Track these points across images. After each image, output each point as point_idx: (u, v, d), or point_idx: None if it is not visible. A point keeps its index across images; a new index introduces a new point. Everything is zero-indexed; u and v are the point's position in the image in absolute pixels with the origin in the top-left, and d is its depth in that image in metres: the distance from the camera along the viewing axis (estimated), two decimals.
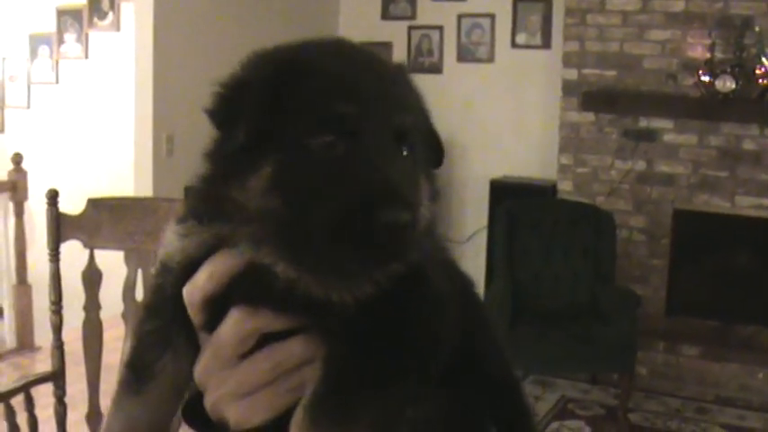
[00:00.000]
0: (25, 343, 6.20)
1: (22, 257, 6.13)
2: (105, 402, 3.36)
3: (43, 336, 6.22)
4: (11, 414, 3.13)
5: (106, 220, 3.33)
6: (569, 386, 5.63)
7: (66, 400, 3.38)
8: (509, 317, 5.11)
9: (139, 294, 3.33)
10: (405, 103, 0.91)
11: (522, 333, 5.14)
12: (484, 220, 6.32)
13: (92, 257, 3.33)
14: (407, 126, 0.89)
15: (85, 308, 3.38)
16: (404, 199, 0.82)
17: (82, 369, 3.43)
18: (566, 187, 6.17)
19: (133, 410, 1.04)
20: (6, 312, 6.17)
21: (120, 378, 1.06)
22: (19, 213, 6.03)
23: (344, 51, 0.93)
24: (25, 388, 3.21)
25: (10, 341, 6.18)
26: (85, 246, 3.33)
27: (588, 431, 5.07)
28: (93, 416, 3.39)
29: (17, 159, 6.00)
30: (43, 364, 5.63)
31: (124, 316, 3.37)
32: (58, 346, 3.36)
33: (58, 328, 3.33)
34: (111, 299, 3.40)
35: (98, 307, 3.38)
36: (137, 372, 1.03)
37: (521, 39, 6.64)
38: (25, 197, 6.04)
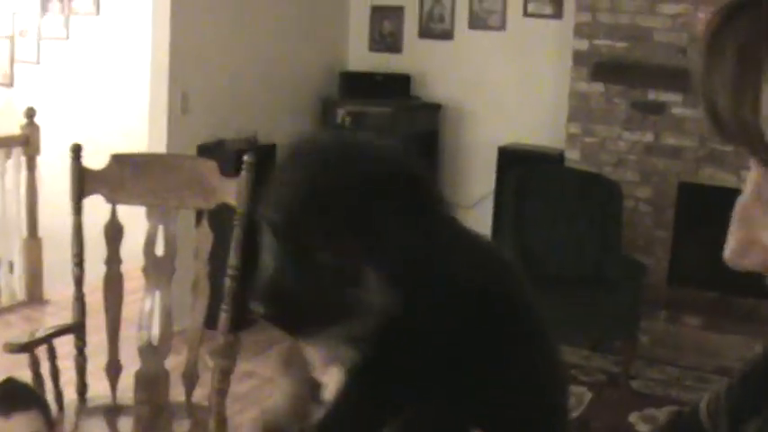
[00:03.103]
0: (35, 296, 6.26)
1: (33, 212, 6.19)
2: (124, 354, 3.45)
3: (53, 289, 6.29)
4: (35, 364, 3.20)
5: (129, 175, 3.40)
6: (571, 353, 5.71)
7: (86, 351, 3.46)
8: None
9: (160, 249, 3.40)
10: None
11: None
12: (491, 186, 6.37)
13: (114, 212, 3.40)
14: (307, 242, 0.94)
15: (107, 261, 3.44)
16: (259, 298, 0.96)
17: (97, 321, 3.50)
18: (573, 156, 6.22)
19: None
20: (17, 266, 6.23)
21: None
22: (31, 168, 6.07)
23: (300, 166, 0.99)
24: (48, 339, 3.27)
25: (20, 294, 6.24)
26: (108, 200, 3.39)
27: (590, 397, 5.15)
28: (113, 366, 3.46)
29: (30, 113, 6.02)
30: (53, 317, 5.70)
31: (145, 270, 3.44)
32: (79, 297, 3.42)
33: (79, 281, 3.40)
34: (127, 254, 3.46)
35: (119, 261, 3.44)
36: None
37: (533, 7, 6.66)
38: (38, 152, 6.09)
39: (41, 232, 6.32)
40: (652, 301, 5.83)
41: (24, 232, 6.21)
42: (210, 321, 3.39)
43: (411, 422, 0.98)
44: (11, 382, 2.60)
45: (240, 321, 3.38)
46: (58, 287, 6.23)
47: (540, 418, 1.06)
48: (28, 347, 3.20)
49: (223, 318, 3.28)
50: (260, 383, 4.88)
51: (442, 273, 0.95)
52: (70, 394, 3.41)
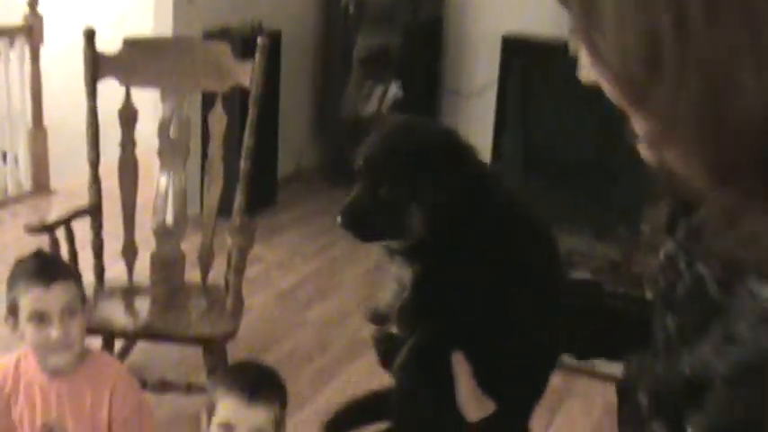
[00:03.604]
0: (42, 186, 6.30)
1: (37, 102, 6.18)
2: (139, 238, 3.51)
3: (59, 179, 6.33)
4: (55, 245, 3.24)
5: (142, 59, 3.40)
6: (574, 240, 5.78)
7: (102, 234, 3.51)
8: (520, 171, 5.23)
9: (173, 132, 3.42)
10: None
11: (532, 187, 5.27)
12: (495, 74, 6.36)
13: (128, 95, 3.41)
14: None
15: (121, 144, 3.47)
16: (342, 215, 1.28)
17: (111, 207, 3.54)
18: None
19: None
20: (22, 156, 6.25)
21: None
22: (35, 58, 6.04)
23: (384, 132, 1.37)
24: (67, 221, 3.32)
25: (27, 185, 6.28)
26: (122, 84, 3.40)
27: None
28: (129, 249, 3.52)
29: (32, 3, 5.97)
30: (60, 206, 5.74)
31: (159, 153, 3.47)
32: (95, 181, 3.45)
33: (95, 165, 3.43)
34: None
35: (133, 144, 3.47)
36: None
37: None
38: (41, 41, 6.05)
39: (46, 122, 6.31)
40: (656, 190, 5.86)
41: (30, 123, 6.21)
42: (223, 207, 3.44)
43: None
44: (44, 254, 2.66)
45: (253, 205, 3.43)
46: (64, 177, 6.28)
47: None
48: (48, 228, 3.25)
49: (238, 199, 3.33)
50: (268, 267, 4.94)
51: (467, 215, 1.26)
52: (88, 277, 3.46)
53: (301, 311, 4.56)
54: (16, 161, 6.25)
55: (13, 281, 2.34)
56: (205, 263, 3.46)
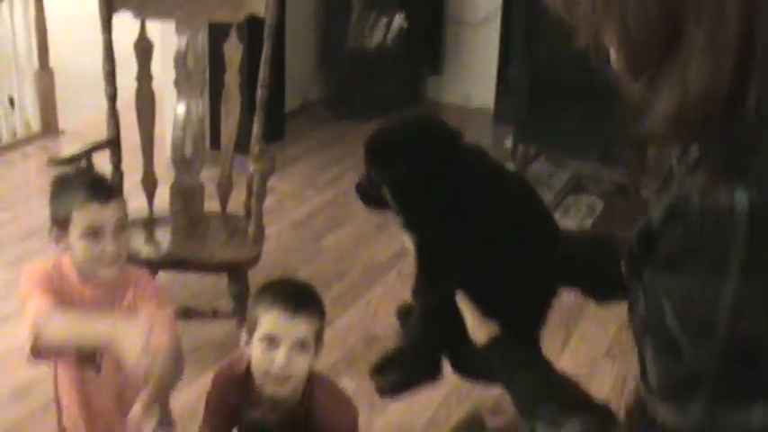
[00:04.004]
0: (50, 127, 6.32)
1: (43, 43, 6.18)
2: (157, 170, 3.56)
3: (67, 120, 6.36)
4: None
5: None
6: (580, 165, 5.83)
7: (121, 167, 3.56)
8: (527, 99, 5.26)
9: (190, 61, 3.45)
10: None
11: (538, 113, 5.31)
12: (498, 1, 6.37)
13: (143, 28, 3.44)
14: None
15: (138, 78, 3.51)
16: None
17: (127, 141, 3.58)
18: None
19: None
20: (30, 98, 6.27)
21: None
22: None
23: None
24: (87, 154, 3.37)
25: (35, 126, 6.31)
26: (136, 16, 3.43)
27: (601, 205, 5.30)
28: (148, 180, 3.57)
29: None
30: (69, 146, 5.78)
31: (176, 83, 3.51)
32: (113, 114, 3.50)
33: (112, 98, 3.47)
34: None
35: (150, 77, 3.51)
36: None
37: None
38: None
39: (52, 63, 6.33)
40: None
41: (36, 64, 6.22)
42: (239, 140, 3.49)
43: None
44: (95, 172, 2.72)
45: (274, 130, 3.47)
46: (72, 118, 6.31)
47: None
48: (70, 161, 3.30)
49: (256, 127, 3.37)
50: (281, 199, 5.00)
51: (426, 189, 1.43)
52: None
53: (316, 240, 4.63)
54: (23, 104, 6.27)
55: (63, 197, 2.37)
56: (224, 191, 3.52)
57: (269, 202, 4.69)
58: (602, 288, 1.50)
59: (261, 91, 3.36)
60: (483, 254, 1.40)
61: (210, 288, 3.84)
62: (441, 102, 6.74)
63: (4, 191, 5.36)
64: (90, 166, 3.34)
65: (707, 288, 0.91)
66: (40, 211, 4.99)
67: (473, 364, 1.44)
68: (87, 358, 2.43)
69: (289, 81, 6.01)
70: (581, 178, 5.69)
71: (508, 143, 5.60)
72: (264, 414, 2.36)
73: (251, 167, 3.32)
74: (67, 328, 2.23)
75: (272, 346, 2.24)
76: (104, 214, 2.32)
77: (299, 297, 2.28)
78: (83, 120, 5.98)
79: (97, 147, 3.45)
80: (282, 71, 5.79)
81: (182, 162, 3.49)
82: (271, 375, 2.25)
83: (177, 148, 3.49)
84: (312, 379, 2.38)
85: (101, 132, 3.57)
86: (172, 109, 3.59)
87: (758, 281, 0.90)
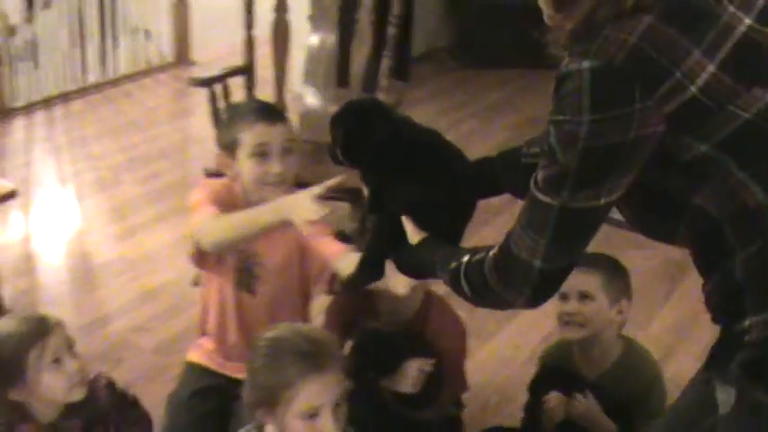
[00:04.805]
0: (183, 57, 6.58)
1: None
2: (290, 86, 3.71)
3: (199, 52, 6.60)
4: (213, 99, 3.47)
5: None
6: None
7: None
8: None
9: None
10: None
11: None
12: None
13: None
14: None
15: (276, 8, 3.65)
16: None
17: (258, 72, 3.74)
18: None
19: None
20: (165, 30, 6.51)
21: None
22: None
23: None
24: (224, 77, 3.54)
25: (169, 56, 6.56)
26: None
27: None
28: (280, 105, 3.72)
29: None
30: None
31: (311, 17, 3.65)
32: (249, 41, 3.65)
33: (249, 26, 3.61)
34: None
35: (285, 8, 3.65)
36: None
37: None
38: None
39: None
40: None
41: None
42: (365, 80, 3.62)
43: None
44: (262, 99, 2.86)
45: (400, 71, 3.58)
46: (205, 50, 6.54)
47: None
48: (208, 82, 3.48)
49: (385, 62, 3.49)
50: None
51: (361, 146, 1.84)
52: None
53: None
54: (159, 35, 6.52)
55: (232, 121, 2.52)
56: None
57: None
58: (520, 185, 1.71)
59: (391, 29, 3.47)
60: (411, 188, 1.83)
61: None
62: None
63: (138, 113, 5.63)
64: (226, 88, 3.52)
65: (572, 118, 1.40)
66: (170, 133, 5.29)
67: (410, 261, 1.84)
68: (243, 280, 2.61)
69: (416, 28, 6.12)
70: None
71: None
72: (381, 326, 2.50)
73: (379, 99, 3.43)
74: (236, 221, 2.31)
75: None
76: (272, 134, 2.41)
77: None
78: (214, 51, 6.20)
79: (234, 71, 3.61)
80: (411, 17, 5.89)
81: (312, 90, 3.64)
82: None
83: (308, 77, 3.64)
84: (428, 297, 2.50)
85: (231, 64, 3.72)
86: (302, 43, 3.73)
87: (604, 112, 1.37)
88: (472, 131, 5.36)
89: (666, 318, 3.49)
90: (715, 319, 1.56)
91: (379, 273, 1.93)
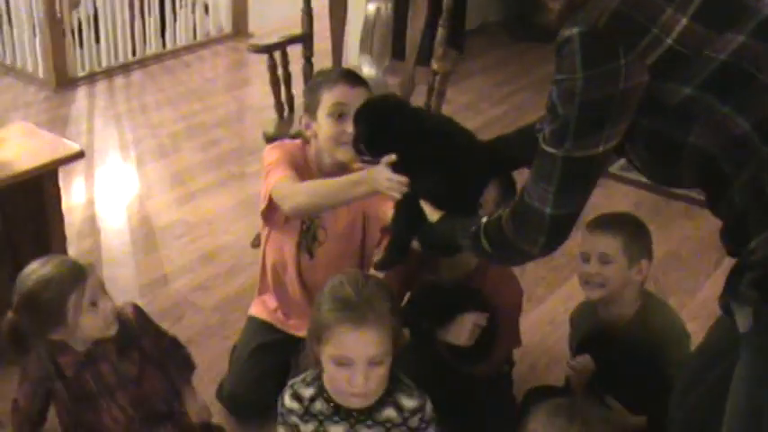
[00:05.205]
0: (240, 29, 6.67)
1: None
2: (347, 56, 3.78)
3: (256, 23, 6.69)
4: (273, 66, 3.56)
5: None
6: None
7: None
8: None
9: None
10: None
11: None
12: None
13: None
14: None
15: None
16: None
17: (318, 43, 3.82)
18: None
19: None
20: (224, 2, 6.60)
21: None
22: None
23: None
24: (283, 44, 3.62)
25: (227, 27, 6.66)
26: None
27: None
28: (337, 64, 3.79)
29: None
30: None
31: None
32: (308, 11, 3.71)
33: None
34: None
35: None
36: None
37: None
38: None
39: None
40: None
41: None
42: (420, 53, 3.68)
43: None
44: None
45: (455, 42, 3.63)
46: (260, 21, 6.63)
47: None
48: (267, 49, 3.57)
49: (440, 31, 3.54)
50: (457, 108, 5.14)
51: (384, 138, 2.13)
52: (297, 100, 3.76)
53: None
54: (217, 8, 6.62)
55: (316, 83, 2.64)
56: (407, 89, 3.70)
57: (445, 111, 4.90)
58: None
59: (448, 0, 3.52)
60: (429, 174, 2.05)
61: None
62: None
63: (196, 83, 5.74)
64: (285, 55, 3.60)
65: (569, 76, 1.58)
66: (227, 103, 5.41)
67: (433, 237, 2.05)
68: (304, 241, 2.72)
69: (470, 2, 6.18)
70: None
71: None
72: (440, 278, 2.59)
73: (434, 66, 3.49)
74: (322, 189, 2.43)
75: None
76: (351, 95, 2.53)
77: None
78: (271, 24, 6.28)
79: (293, 39, 3.69)
80: None
81: (368, 60, 3.71)
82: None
83: (365, 45, 3.71)
84: None
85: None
86: (358, 13, 3.79)
87: (594, 69, 1.56)
88: (524, 103, 5.40)
89: (714, 285, 3.52)
90: (729, 252, 1.74)
91: (405, 254, 2.24)
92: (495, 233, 1.82)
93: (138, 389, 2.40)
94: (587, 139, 1.63)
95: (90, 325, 2.28)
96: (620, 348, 2.51)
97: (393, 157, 2.09)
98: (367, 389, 2.01)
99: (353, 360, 1.97)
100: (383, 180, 2.14)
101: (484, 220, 1.86)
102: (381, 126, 2.10)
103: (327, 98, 2.56)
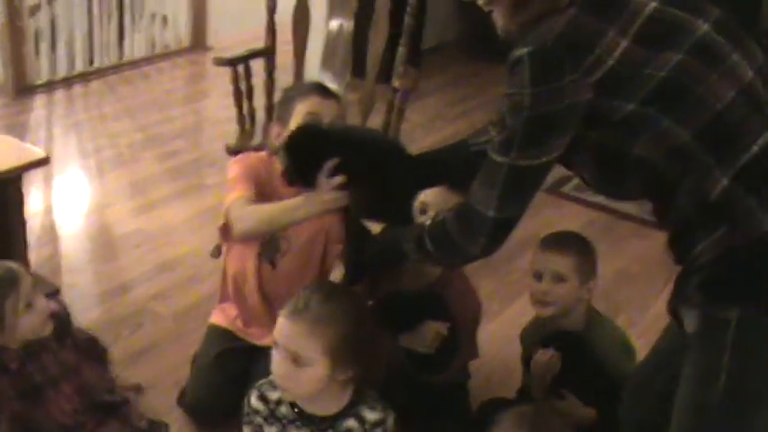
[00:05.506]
0: (199, 42, 6.70)
1: None
2: (308, 72, 3.85)
3: (215, 37, 6.73)
4: (236, 79, 3.61)
5: None
6: None
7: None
8: None
9: None
10: None
11: None
12: None
13: None
14: None
15: None
16: None
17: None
18: None
19: None
20: (183, 15, 6.63)
21: None
22: None
23: None
24: (246, 58, 3.67)
25: (186, 40, 6.69)
26: None
27: None
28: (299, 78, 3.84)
29: None
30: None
31: (330, 4, 3.77)
32: (271, 26, 3.77)
33: (272, 11, 3.74)
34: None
35: None
36: None
37: None
38: None
39: None
40: None
41: None
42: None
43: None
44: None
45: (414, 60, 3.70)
46: (221, 35, 6.67)
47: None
48: (231, 62, 3.62)
49: (401, 50, 3.61)
50: (413, 127, 5.21)
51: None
52: (259, 116, 3.80)
53: None
54: (177, 21, 6.64)
55: (289, 95, 2.74)
56: (366, 106, 3.76)
57: (401, 129, 4.97)
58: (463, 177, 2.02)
59: (408, 19, 3.58)
60: (360, 191, 2.20)
61: None
62: None
63: (155, 94, 5.77)
64: (248, 69, 3.66)
65: (518, 91, 1.71)
66: (186, 114, 5.44)
67: (377, 251, 2.18)
68: (267, 252, 2.78)
69: (428, 21, 6.26)
70: None
71: None
72: (403, 287, 2.66)
73: (395, 83, 3.55)
74: (269, 214, 2.50)
75: None
76: (324, 105, 2.65)
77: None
78: (231, 38, 6.32)
79: (257, 53, 3.74)
80: (423, 10, 6.03)
81: (330, 76, 3.77)
82: None
83: (327, 59, 3.77)
84: None
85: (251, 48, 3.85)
86: (319, 29, 3.85)
87: (541, 86, 1.69)
88: (478, 122, 5.47)
89: (664, 302, 3.59)
90: (676, 259, 1.84)
91: (361, 274, 2.39)
92: (438, 233, 1.94)
93: (78, 378, 2.48)
94: (532, 150, 1.75)
95: (27, 326, 2.35)
96: (569, 359, 2.60)
97: (338, 179, 2.23)
98: (285, 382, 2.10)
99: (278, 342, 2.08)
100: (318, 203, 2.30)
101: (427, 223, 1.99)
102: (305, 157, 2.25)
103: (300, 108, 2.65)
